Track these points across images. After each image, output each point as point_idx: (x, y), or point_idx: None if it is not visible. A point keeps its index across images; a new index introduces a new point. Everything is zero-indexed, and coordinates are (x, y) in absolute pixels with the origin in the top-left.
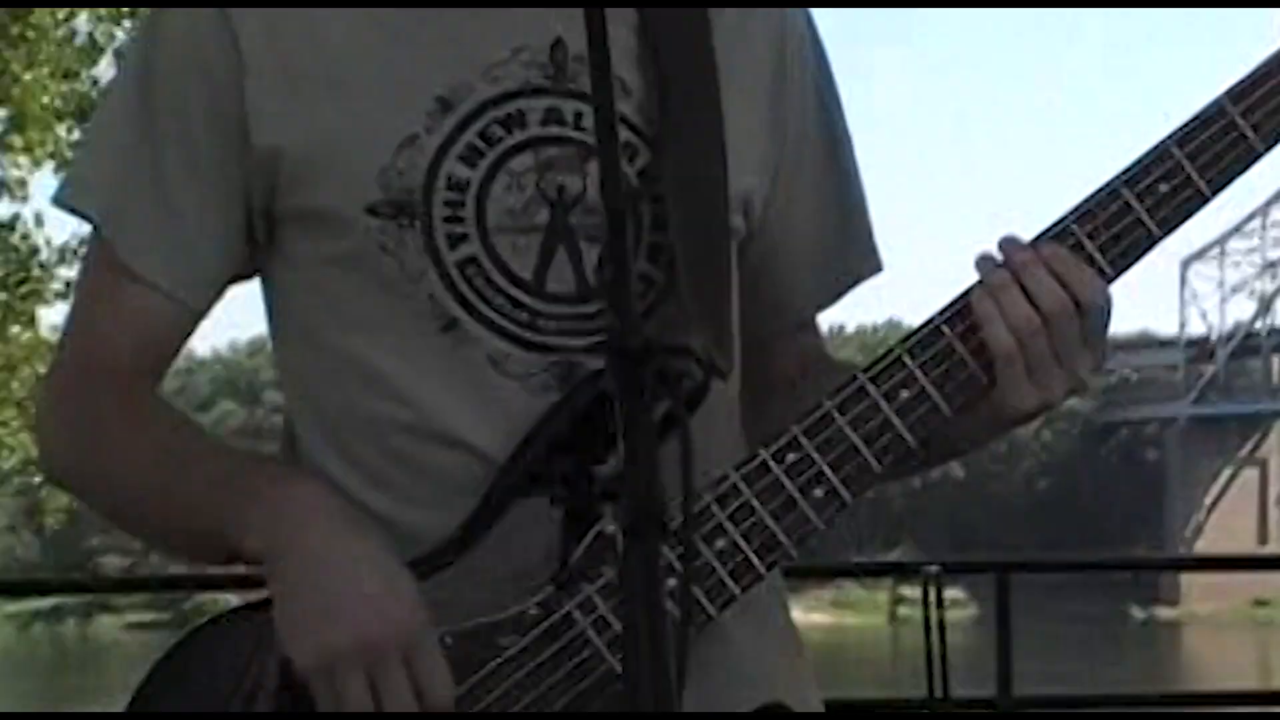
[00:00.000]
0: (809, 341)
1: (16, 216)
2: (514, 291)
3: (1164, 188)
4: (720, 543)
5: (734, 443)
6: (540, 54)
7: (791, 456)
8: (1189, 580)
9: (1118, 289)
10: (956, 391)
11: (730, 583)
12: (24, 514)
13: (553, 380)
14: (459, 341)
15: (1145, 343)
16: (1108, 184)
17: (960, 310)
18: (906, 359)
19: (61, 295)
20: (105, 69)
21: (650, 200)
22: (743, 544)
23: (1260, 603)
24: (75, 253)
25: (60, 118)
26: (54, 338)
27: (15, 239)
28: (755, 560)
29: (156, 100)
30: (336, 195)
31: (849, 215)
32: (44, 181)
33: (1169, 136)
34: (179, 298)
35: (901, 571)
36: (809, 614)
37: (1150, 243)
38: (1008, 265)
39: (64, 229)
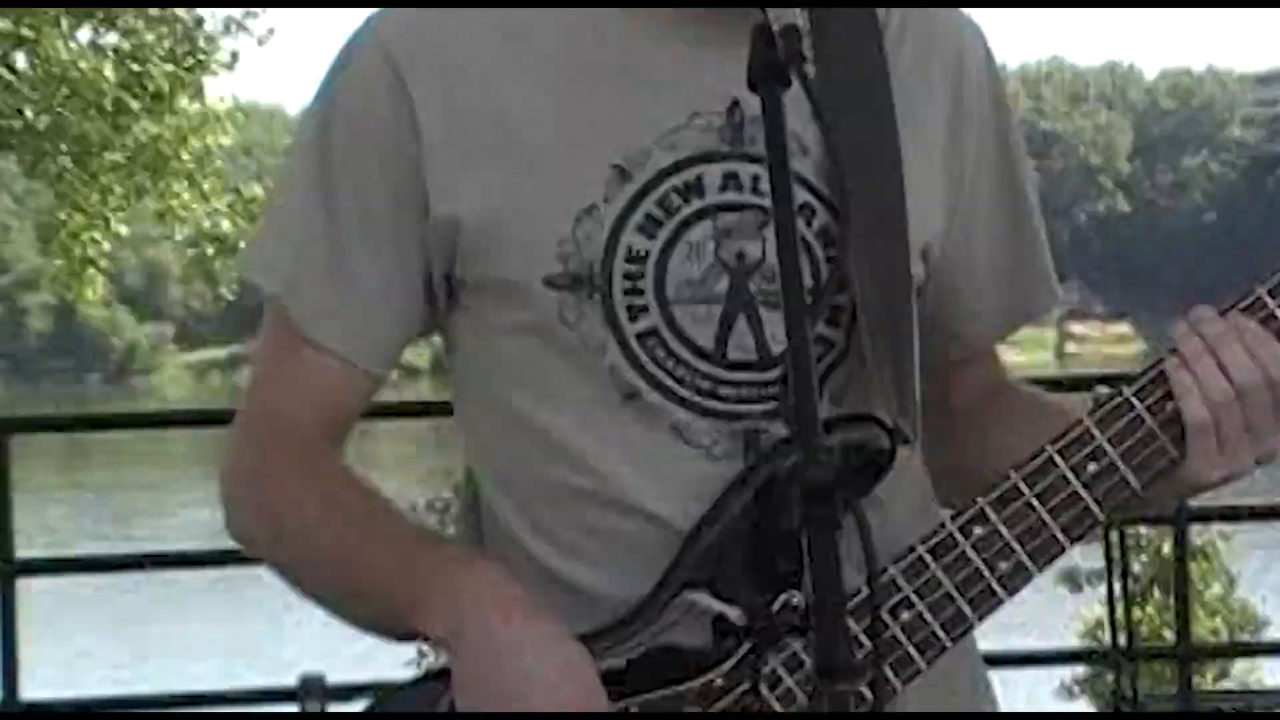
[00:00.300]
0: (988, 370)
1: None
2: (695, 361)
3: None
4: (906, 615)
5: (922, 507)
6: (717, 118)
7: (979, 530)
8: None
9: None
10: (1145, 464)
11: (916, 656)
12: (201, 277)
13: (736, 448)
14: (641, 412)
15: None
16: None
17: (1150, 381)
18: (1095, 431)
19: (226, 66)
20: None
21: (828, 261)
22: (929, 617)
23: None
24: (239, 24)
25: None
26: (220, 108)
27: (180, 11)
28: (941, 634)
29: (334, 169)
30: (515, 267)
31: (1026, 246)
32: None
33: None
34: (359, 365)
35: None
36: None
37: None
38: (1202, 338)
39: None
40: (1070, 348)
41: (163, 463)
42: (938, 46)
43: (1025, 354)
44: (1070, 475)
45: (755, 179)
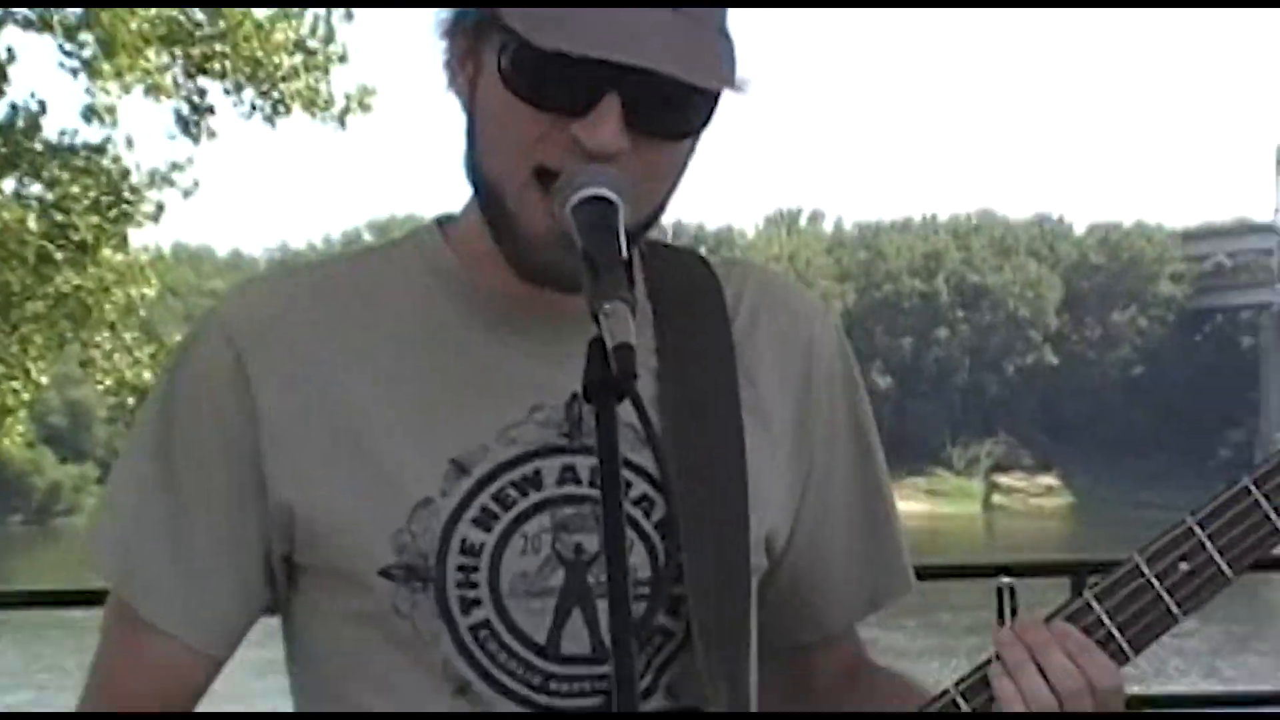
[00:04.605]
0: (847, 652)
1: (107, 140)
2: (527, 655)
3: (1184, 566)
4: None
5: None
6: (556, 412)
7: None
8: None
9: (1212, 176)
10: None
11: None
12: (124, 422)
13: None
14: (471, 705)
15: (1240, 229)
16: (1127, 560)
17: (977, 683)
18: None
19: (152, 217)
20: None
21: (668, 552)
22: None
23: None
24: (166, 177)
25: (149, 42)
26: (144, 259)
27: (106, 162)
28: None
29: (174, 452)
30: (350, 557)
31: (879, 534)
32: (134, 106)
33: (1190, 514)
34: (198, 648)
35: (967, 576)
36: (905, 503)
37: (1171, 622)
38: (1025, 646)
39: (155, 153)
40: (997, 499)
41: None
42: (788, 335)
43: (953, 505)
44: None
45: (594, 472)
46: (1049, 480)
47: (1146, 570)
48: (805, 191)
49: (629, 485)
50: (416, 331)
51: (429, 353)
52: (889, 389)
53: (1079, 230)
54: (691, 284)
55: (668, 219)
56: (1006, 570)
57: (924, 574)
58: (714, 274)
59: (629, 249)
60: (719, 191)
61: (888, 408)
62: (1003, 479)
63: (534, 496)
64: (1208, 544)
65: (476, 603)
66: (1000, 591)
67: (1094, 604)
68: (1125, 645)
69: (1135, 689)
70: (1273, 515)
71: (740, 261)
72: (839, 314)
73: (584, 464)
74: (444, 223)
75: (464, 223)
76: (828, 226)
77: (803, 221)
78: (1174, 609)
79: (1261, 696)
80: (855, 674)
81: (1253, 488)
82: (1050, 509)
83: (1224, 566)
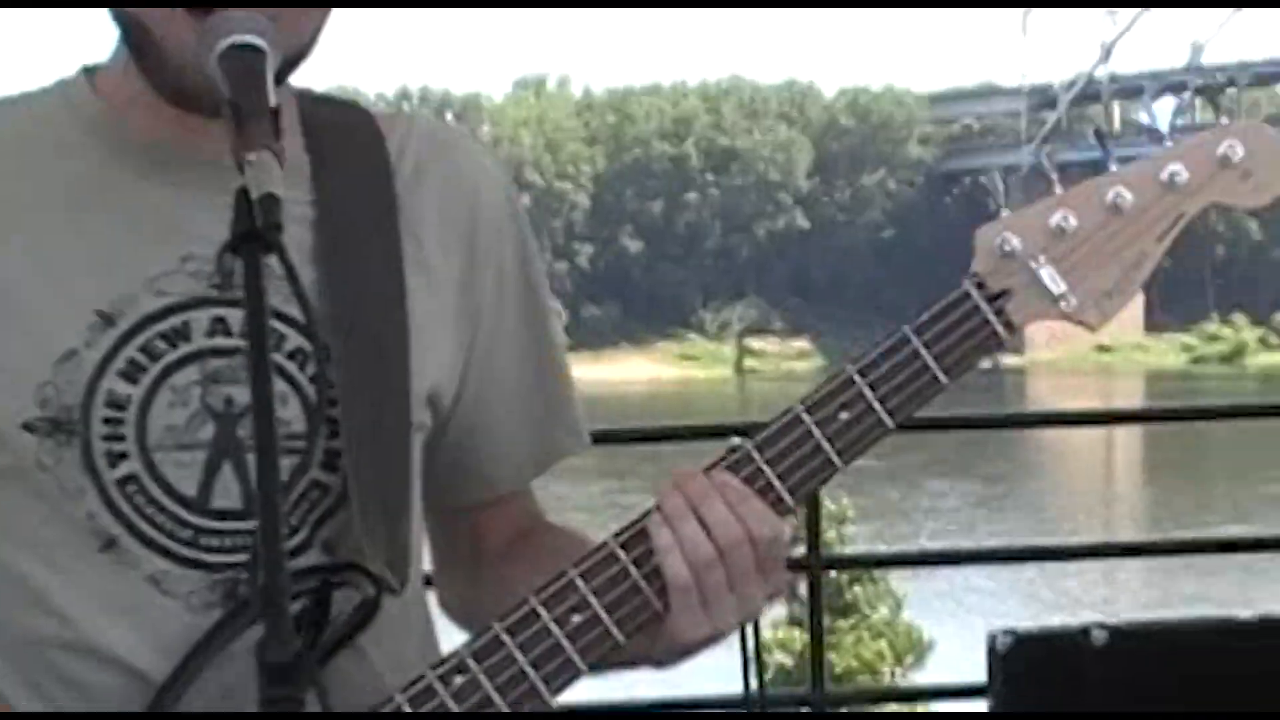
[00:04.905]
0: (519, 512)
1: None
2: (176, 509)
3: (844, 416)
4: None
5: (417, 652)
6: (207, 263)
7: (459, 679)
8: (1034, 327)
9: (960, 39)
10: (629, 617)
11: None
12: None
13: (215, 598)
14: (118, 560)
15: (987, 92)
16: (788, 410)
17: (636, 535)
18: (579, 582)
19: None
20: None
21: (328, 405)
22: None
23: (1102, 348)
24: None
25: None
26: None
27: None
28: None
29: None
30: None
31: (548, 391)
32: None
33: (851, 363)
34: None
35: (705, 437)
36: (657, 367)
37: (831, 471)
38: (684, 495)
39: None
40: (750, 362)
41: None
42: (453, 189)
43: (705, 369)
44: (554, 627)
45: (245, 324)
46: (800, 343)
47: (807, 419)
48: (553, 56)
49: (283, 338)
50: (62, 181)
51: (75, 202)
52: (639, 252)
53: (828, 94)
54: (352, 136)
55: (413, 84)
56: (737, 431)
57: (669, 436)
58: (377, 126)
59: (278, 94)
60: (465, 57)
61: (638, 272)
62: (755, 343)
63: (183, 348)
64: (868, 393)
65: (123, 456)
66: None
67: (754, 454)
68: (785, 494)
69: (884, 548)
70: (932, 363)
71: (406, 114)
72: (589, 178)
73: (235, 316)
74: (91, 71)
75: (112, 68)
76: (576, 90)
77: (551, 85)
78: (834, 458)
79: (1015, 553)
80: (527, 534)
81: (912, 337)
82: (802, 371)
83: (884, 415)
